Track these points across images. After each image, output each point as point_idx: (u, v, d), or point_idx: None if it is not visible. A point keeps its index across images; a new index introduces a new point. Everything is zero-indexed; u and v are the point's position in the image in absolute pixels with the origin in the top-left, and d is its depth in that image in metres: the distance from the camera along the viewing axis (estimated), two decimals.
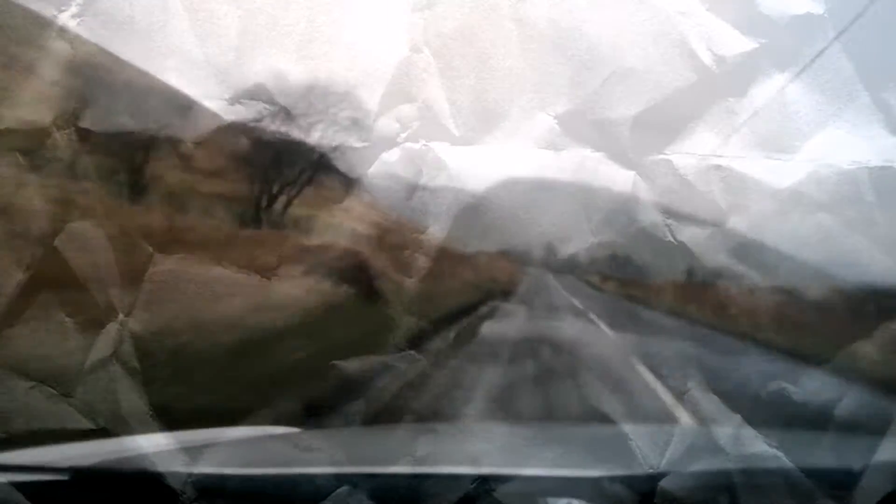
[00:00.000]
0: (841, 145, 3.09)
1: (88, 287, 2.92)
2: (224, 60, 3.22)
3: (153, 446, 1.55)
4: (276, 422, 2.38)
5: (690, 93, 3.15)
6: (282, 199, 5.39)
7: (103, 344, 2.72)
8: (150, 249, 3.52)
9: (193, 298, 4.19)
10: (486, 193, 4.69)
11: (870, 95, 2.97)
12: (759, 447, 1.50)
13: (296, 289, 5.17)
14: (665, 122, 3.33)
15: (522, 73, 3.24)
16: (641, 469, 1.36)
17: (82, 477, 1.35)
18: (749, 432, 1.63)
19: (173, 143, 5.14)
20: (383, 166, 3.70)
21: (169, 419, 2.29)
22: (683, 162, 3.39)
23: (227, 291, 4.47)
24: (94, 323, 2.84)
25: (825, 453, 1.64)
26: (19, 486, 1.29)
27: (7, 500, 1.27)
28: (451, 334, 6.94)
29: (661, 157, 3.43)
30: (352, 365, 4.06)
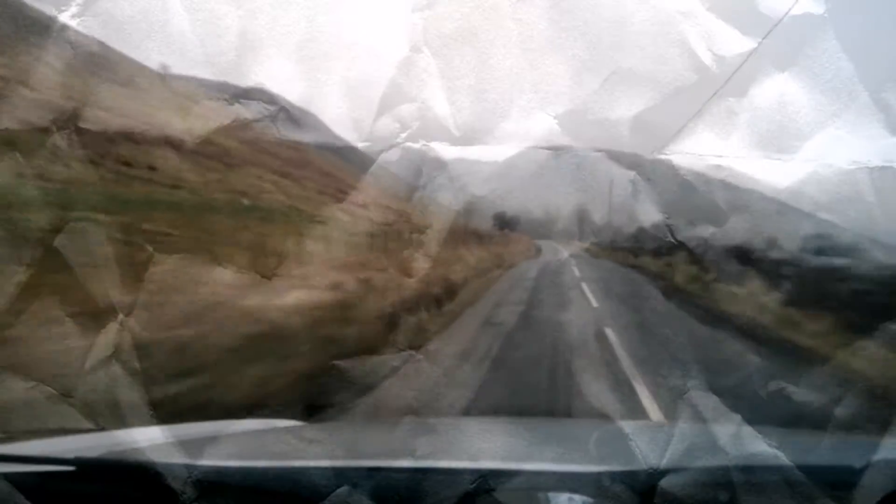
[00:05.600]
0: (841, 145, 3.08)
1: (88, 287, 2.92)
2: (224, 60, 3.22)
3: (153, 441, 1.54)
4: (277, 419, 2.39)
5: (690, 93, 3.15)
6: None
7: (103, 344, 2.73)
8: (150, 249, 3.52)
9: (193, 298, 4.20)
10: (486, 193, 4.69)
11: (870, 95, 2.96)
12: (759, 447, 1.50)
13: (296, 288, 5.18)
14: (665, 122, 3.33)
15: (522, 73, 3.24)
16: (641, 468, 1.36)
17: (83, 469, 1.34)
18: (749, 432, 1.63)
19: (173, 142, 5.14)
20: (383, 166, 3.70)
21: (169, 418, 2.29)
22: (683, 162, 3.39)
23: (227, 291, 4.47)
24: (94, 323, 2.84)
25: (825, 453, 1.64)
26: (19, 478, 1.28)
27: (6, 499, 1.26)
28: (451, 332, 6.96)
29: (661, 157, 3.43)
30: (352, 364, 4.07)
